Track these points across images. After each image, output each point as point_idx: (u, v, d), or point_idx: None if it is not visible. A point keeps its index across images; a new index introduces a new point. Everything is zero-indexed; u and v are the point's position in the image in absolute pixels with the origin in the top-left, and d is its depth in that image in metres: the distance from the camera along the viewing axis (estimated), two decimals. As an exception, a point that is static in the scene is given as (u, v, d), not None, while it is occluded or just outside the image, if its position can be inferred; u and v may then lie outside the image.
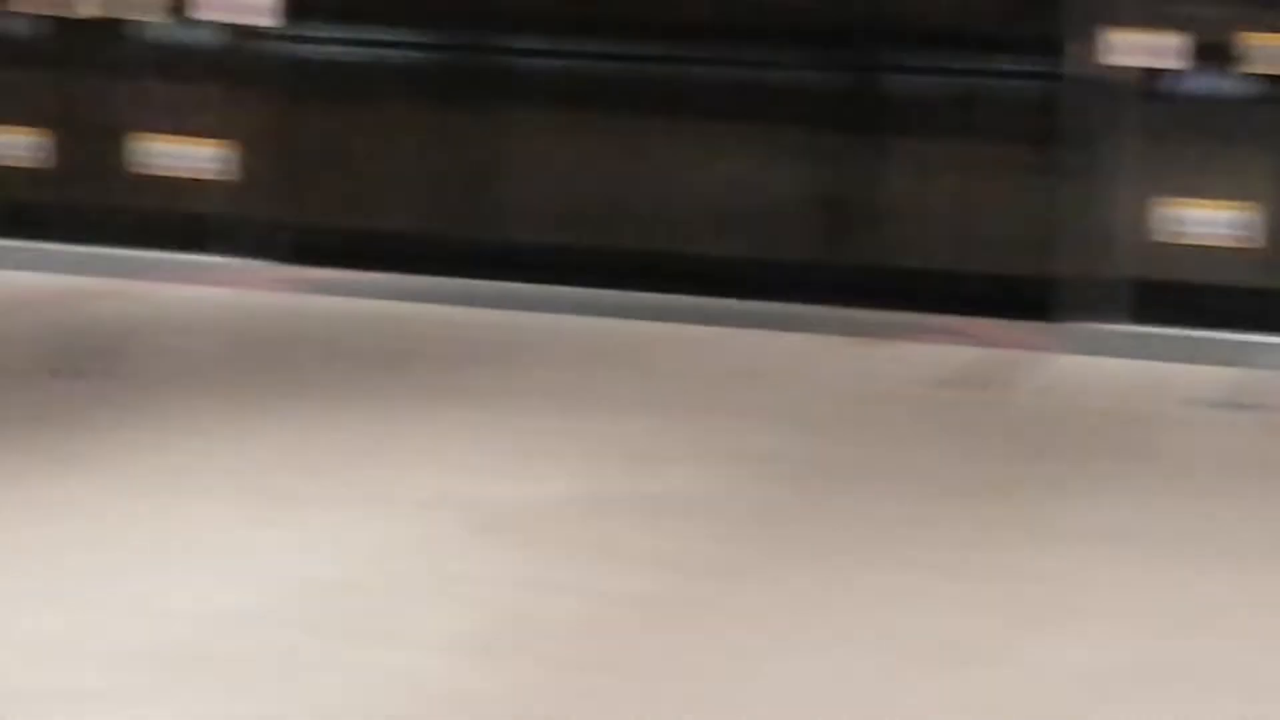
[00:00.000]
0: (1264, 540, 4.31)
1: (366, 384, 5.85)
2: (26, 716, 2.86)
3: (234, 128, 7.46)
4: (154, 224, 7.56)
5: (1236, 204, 6.49)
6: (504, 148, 7.38)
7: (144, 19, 7.53)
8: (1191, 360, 6.29)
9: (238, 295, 7.29)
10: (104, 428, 5.14)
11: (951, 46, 6.95)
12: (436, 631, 3.43)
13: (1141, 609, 3.76)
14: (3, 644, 3.22)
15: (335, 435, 5.19)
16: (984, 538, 4.28)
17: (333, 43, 7.54)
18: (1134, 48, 6.52)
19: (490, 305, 7.04)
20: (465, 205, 7.51)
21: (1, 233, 7.47)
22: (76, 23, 7.50)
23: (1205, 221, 6.49)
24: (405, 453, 5.01)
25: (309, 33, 7.47)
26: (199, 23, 7.43)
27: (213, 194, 7.51)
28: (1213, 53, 6.50)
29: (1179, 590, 3.92)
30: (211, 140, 7.43)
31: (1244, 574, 4.03)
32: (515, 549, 4.12)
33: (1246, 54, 6.47)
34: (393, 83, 7.61)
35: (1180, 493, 4.84)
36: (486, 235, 7.39)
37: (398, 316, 7.03)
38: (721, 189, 7.10)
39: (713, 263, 7.08)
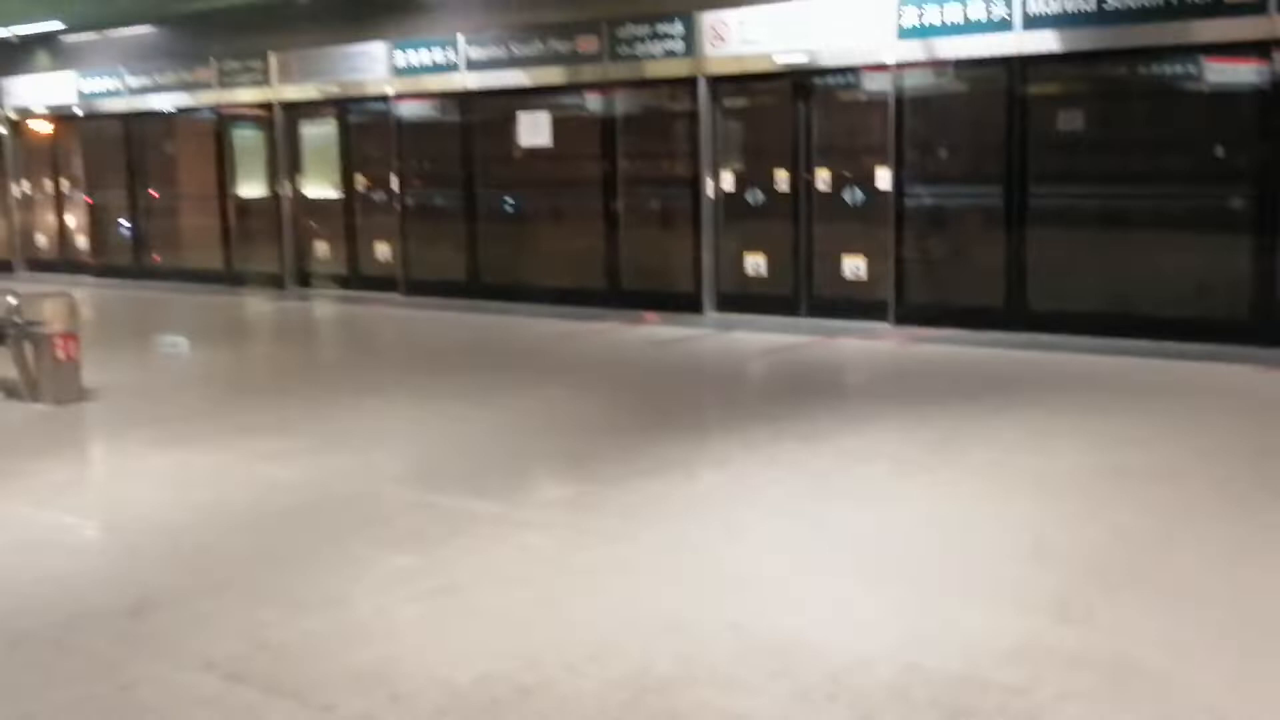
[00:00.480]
0: None
1: (956, 399, 9.08)
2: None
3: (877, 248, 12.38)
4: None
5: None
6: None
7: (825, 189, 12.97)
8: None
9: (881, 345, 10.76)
10: (810, 418, 8.56)
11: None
12: (1002, 545, 5.98)
13: None
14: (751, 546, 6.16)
15: (935, 427, 7.96)
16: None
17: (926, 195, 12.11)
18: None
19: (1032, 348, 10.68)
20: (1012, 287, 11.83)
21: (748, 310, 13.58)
22: (801, 191, 13.27)
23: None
24: (978, 437, 7.67)
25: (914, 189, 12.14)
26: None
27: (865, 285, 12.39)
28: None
29: None
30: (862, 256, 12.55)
31: None
32: (1050, 498, 6.58)
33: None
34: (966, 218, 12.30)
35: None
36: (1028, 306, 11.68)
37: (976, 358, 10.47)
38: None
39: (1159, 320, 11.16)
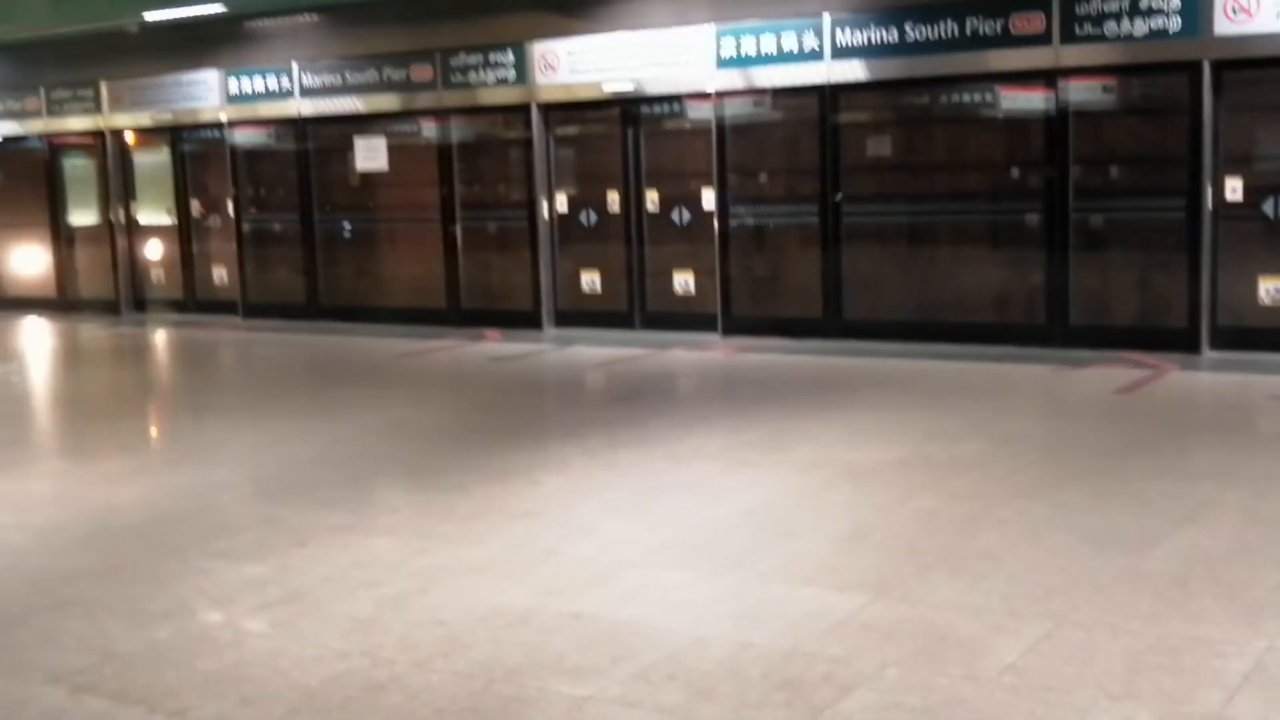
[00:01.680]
0: None
1: (779, 401, 9.13)
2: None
3: (704, 265, 13.37)
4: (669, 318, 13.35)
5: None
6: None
7: (654, 210, 13.59)
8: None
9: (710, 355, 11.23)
10: (645, 424, 8.89)
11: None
12: (825, 531, 6.36)
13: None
14: (606, 540, 6.44)
15: (762, 428, 8.33)
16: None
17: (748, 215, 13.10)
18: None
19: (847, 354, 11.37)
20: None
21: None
22: (631, 212, 13.83)
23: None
24: (800, 435, 8.10)
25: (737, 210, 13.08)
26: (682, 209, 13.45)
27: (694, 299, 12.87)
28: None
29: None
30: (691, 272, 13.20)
31: None
32: (867, 488, 7.04)
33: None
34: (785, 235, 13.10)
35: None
36: (843, 315, 12.36)
37: (797, 364, 10.95)
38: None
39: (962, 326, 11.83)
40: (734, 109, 12.83)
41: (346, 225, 15.83)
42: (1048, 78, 11.28)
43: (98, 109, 17.34)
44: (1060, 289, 11.46)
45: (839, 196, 12.28)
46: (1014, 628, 4.79)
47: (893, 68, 11.91)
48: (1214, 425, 8.91)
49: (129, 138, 17.43)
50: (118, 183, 17.58)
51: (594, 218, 13.90)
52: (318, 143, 15.72)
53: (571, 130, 14.23)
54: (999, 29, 11.36)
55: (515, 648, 4.77)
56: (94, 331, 16.42)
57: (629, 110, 13.47)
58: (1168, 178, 11.11)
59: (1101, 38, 10.99)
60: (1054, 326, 11.51)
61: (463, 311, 14.71)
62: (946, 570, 5.53)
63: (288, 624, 5.16)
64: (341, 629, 5.07)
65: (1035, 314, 11.68)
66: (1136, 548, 5.76)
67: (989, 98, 11.79)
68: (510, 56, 13.94)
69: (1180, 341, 10.95)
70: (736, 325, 12.96)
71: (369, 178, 15.32)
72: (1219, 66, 10.66)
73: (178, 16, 14.99)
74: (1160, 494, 6.68)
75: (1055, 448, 8.06)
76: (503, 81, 14.04)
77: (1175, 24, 10.68)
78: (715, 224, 13.00)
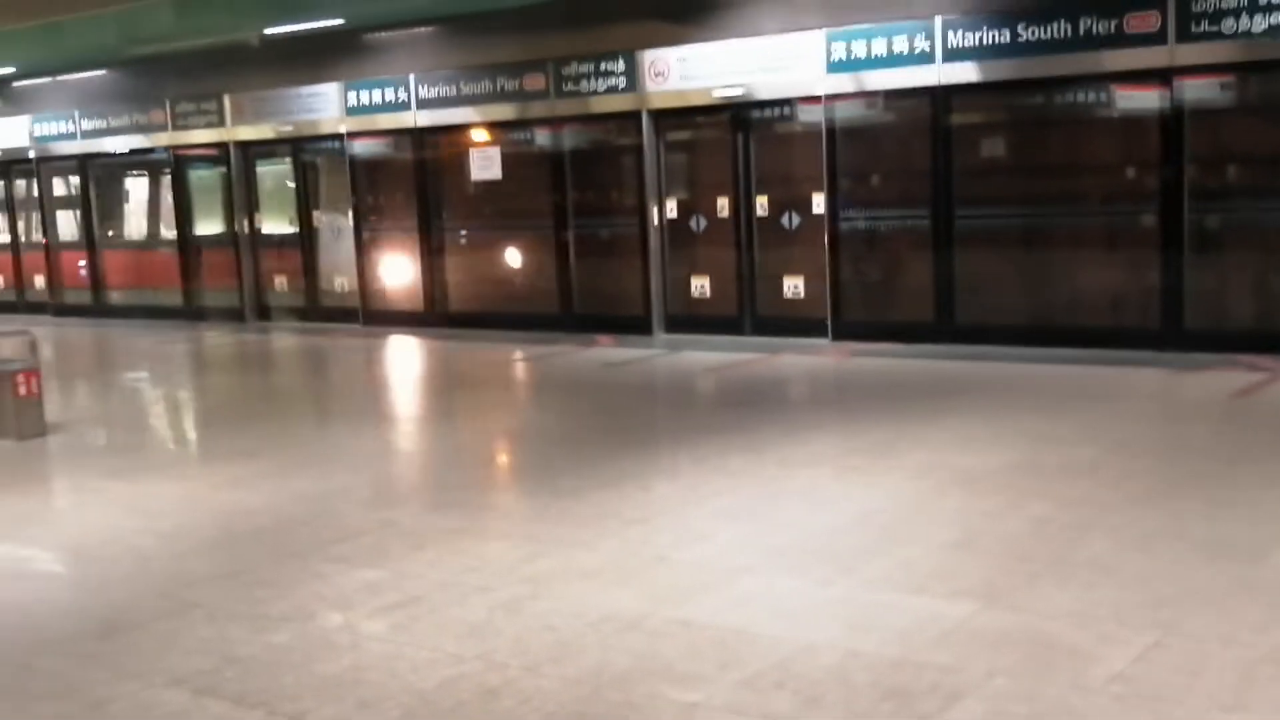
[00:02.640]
0: None
1: (891, 407, 9.42)
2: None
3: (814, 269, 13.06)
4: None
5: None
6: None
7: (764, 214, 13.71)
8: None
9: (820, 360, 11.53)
10: (756, 429, 8.83)
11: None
12: (935, 538, 6.31)
13: None
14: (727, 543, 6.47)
15: (874, 434, 8.33)
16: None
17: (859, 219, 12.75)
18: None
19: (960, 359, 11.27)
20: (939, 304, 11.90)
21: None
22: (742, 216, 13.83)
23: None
24: (911, 441, 8.08)
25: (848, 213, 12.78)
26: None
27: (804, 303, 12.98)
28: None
29: None
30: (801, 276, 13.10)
31: None
32: (978, 494, 6.98)
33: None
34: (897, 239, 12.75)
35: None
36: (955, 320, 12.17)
37: (909, 369, 11.16)
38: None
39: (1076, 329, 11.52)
40: (844, 112, 12.79)
41: (462, 233, 16.08)
42: (1163, 76, 11.06)
43: (221, 121, 17.84)
44: (1175, 291, 11.21)
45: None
46: (1124, 637, 4.75)
47: (1005, 69, 11.77)
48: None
49: (251, 149, 17.90)
50: (241, 193, 18.06)
51: (704, 223, 13.94)
52: (434, 152, 15.99)
53: (682, 136, 14.29)
54: (1113, 28, 11.17)
55: (624, 653, 4.84)
56: (219, 339, 16.90)
57: (739, 115, 13.49)
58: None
59: (1219, 35, 10.74)
60: (1169, 329, 11.26)
61: (575, 317, 14.86)
62: (1056, 578, 5.48)
63: (404, 628, 5.29)
64: (456, 633, 5.18)
65: (1150, 317, 11.44)
66: (1249, 557, 5.65)
67: (1103, 98, 11.60)
68: (621, 64, 14.04)
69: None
70: (847, 330, 12.90)
71: (484, 186, 15.54)
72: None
73: (298, 30, 15.37)
74: (1275, 502, 6.54)
75: (1169, 453, 7.91)
76: (613, 89, 14.15)
77: (1296, 18, 10.41)
78: (826, 228, 12.95)
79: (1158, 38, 10.97)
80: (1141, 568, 5.58)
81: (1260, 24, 10.56)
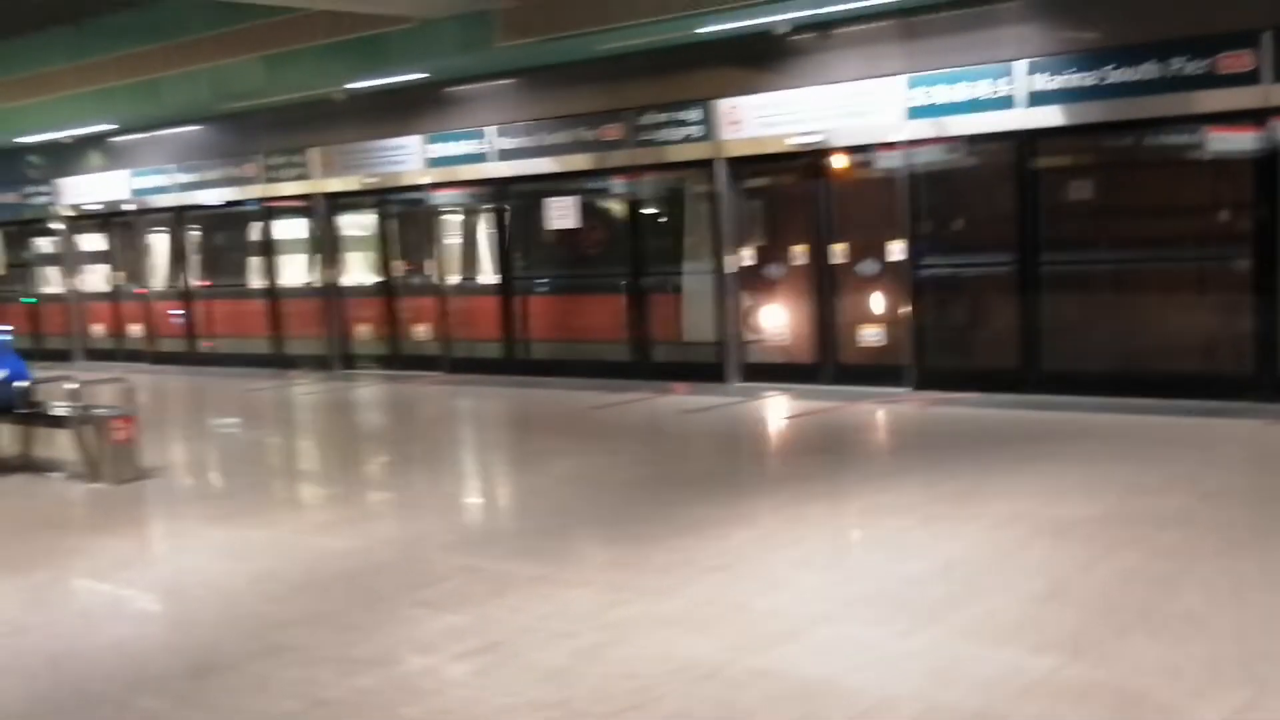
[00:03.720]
0: None
1: (974, 455, 9.35)
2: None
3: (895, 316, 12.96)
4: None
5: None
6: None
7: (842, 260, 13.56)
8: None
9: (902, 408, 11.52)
10: (836, 477, 8.97)
11: None
12: (1021, 589, 6.27)
13: None
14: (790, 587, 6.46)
15: (957, 482, 8.22)
16: None
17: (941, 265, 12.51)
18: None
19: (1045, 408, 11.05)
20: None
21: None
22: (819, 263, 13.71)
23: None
24: (995, 490, 7.98)
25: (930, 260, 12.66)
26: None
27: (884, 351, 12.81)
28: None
29: None
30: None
31: None
32: (1065, 544, 6.91)
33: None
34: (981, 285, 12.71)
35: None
36: (1041, 367, 12.05)
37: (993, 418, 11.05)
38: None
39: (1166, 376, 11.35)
40: (925, 157, 12.75)
41: (541, 280, 16.27)
42: (1257, 117, 10.89)
43: (309, 174, 18.23)
44: (1270, 336, 10.98)
45: None
46: (1216, 693, 4.65)
47: (1092, 111, 11.62)
48: None
49: (337, 201, 18.26)
50: (327, 244, 18.42)
51: (782, 269, 13.97)
52: (513, 202, 16.21)
53: (759, 183, 14.35)
54: (1204, 69, 11.02)
55: (705, 702, 4.84)
56: (307, 387, 17.18)
57: (816, 162, 13.51)
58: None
59: (1310, 75, 10.58)
60: (1264, 376, 11.03)
61: (652, 365, 14.91)
62: (1145, 631, 5.39)
63: (486, 673, 5.33)
64: (536, 678, 5.21)
65: (1243, 363, 11.21)
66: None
67: (1194, 139, 11.42)
68: (697, 113, 14.17)
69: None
70: (929, 378, 12.79)
71: (563, 234, 15.71)
72: None
73: (381, 84, 15.71)
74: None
75: (1261, 504, 7.75)
76: (689, 138, 14.26)
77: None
78: (906, 274, 12.90)
79: (1252, 77, 10.77)
80: (1235, 621, 5.47)
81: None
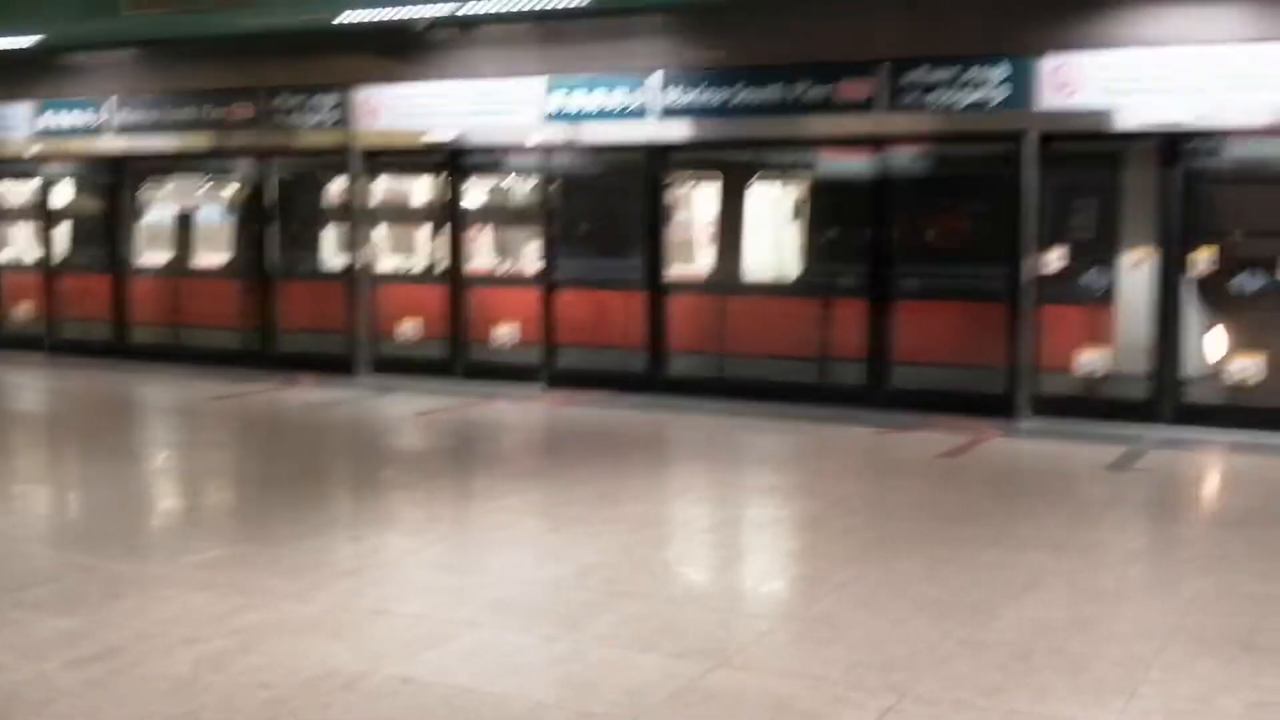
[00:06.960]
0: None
1: (602, 456, 9.39)
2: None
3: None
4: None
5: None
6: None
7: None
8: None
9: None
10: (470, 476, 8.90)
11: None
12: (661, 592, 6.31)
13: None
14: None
15: (588, 487, 8.32)
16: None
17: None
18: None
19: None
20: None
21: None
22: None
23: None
24: (605, 492, 8.27)
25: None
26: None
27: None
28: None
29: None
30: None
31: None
32: (703, 548, 7.05)
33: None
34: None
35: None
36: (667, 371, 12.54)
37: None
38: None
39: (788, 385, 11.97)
40: (561, 161, 12.86)
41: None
42: (874, 142, 11.50)
43: None
44: (881, 347, 11.62)
45: None
46: (859, 700, 4.76)
47: (721, 128, 12.08)
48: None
49: None
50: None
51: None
52: (133, 180, 15.28)
53: (394, 177, 14.10)
54: (825, 95, 11.62)
55: (345, 712, 4.62)
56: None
57: (457, 160, 13.37)
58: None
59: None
60: (872, 387, 11.71)
61: (277, 355, 14.35)
62: (787, 636, 5.56)
63: (101, 681, 4.89)
64: (158, 687, 4.82)
65: (859, 374, 11.70)
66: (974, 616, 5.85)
67: (813, 160, 12.02)
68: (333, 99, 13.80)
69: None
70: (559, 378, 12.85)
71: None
72: None
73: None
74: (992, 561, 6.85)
75: (885, 511, 8.14)
76: (321, 124, 13.86)
77: None
78: (542, 277, 12.96)
79: (866, 106, 11.49)
80: (870, 628, 5.62)
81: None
